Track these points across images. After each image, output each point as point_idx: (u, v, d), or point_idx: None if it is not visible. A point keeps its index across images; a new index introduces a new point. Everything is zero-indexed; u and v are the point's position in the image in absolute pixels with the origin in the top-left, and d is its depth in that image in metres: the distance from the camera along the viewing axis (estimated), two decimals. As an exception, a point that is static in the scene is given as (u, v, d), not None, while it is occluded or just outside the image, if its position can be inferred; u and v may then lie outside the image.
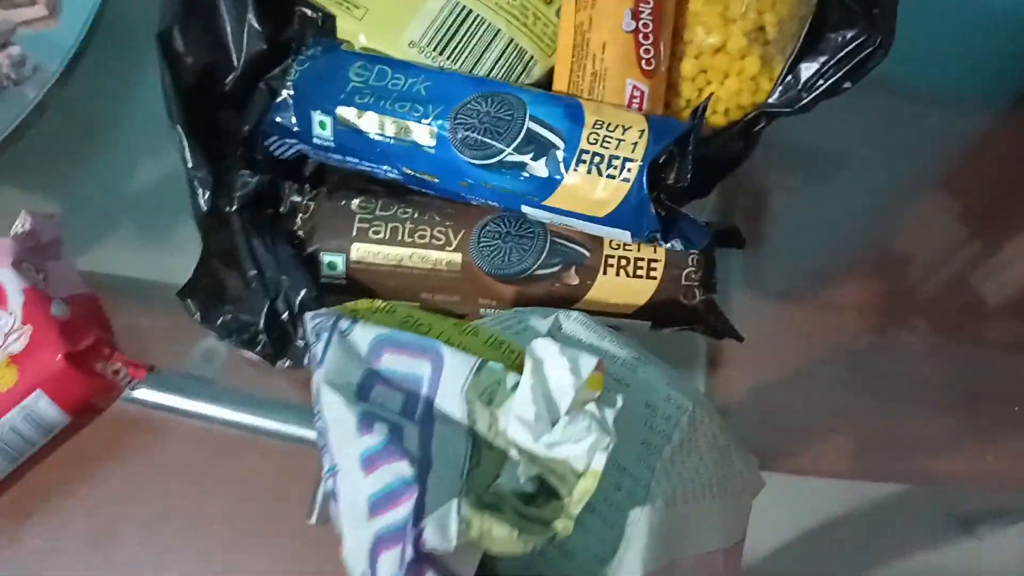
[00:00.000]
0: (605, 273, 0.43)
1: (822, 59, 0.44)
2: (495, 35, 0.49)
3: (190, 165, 0.45)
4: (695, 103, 0.49)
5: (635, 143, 0.39)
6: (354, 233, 0.45)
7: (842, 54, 0.43)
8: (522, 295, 0.44)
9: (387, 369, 0.33)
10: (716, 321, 0.44)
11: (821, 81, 0.44)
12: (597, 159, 0.40)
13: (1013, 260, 0.58)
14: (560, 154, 0.40)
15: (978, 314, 0.56)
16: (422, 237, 0.44)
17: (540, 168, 0.40)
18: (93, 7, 0.55)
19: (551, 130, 0.40)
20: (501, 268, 0.44)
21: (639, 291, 0.43)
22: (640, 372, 0.35)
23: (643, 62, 0.46)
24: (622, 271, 0.43)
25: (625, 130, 0.40)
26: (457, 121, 0.42)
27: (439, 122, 0.42)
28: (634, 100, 0.46)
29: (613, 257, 0.43)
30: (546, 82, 0.50)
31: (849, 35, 0.42)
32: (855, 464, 0.51)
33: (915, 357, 0.54)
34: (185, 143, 0.45)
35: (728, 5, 0.47)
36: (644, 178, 0.39)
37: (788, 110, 0.44)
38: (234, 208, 0.45)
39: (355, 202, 0.46)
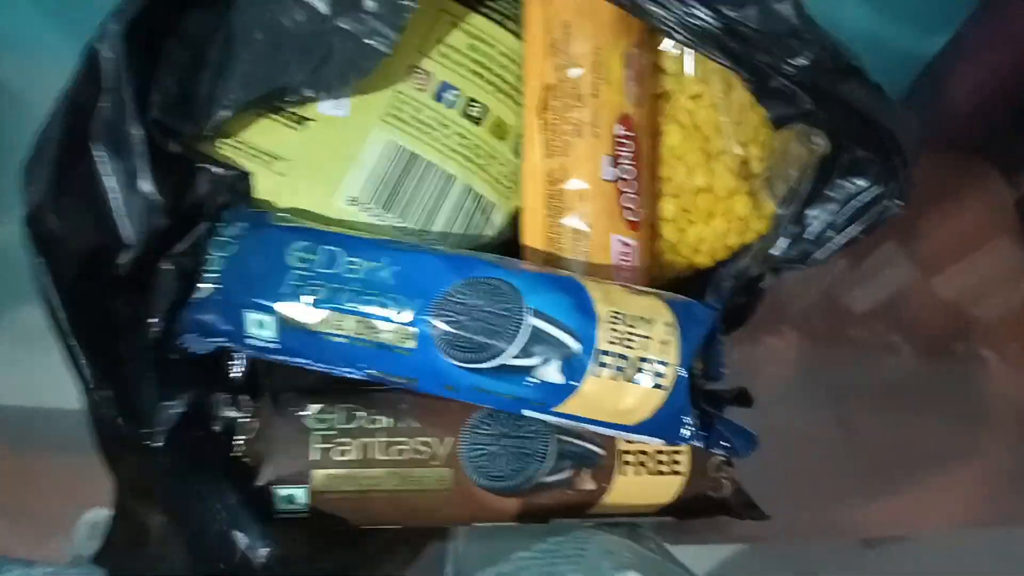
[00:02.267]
0: (624, 473, 0.37)
1: (831, 208, 0.39)
2: (447, 182, 0.42)
3: (91, 386, 0.35)
4: (678, 245, 0.44)
5: (665, 342, 0.33)
6: (314, 456, 0.36)
7: (856, 204, 0.38)
8: (527, 508, 0.37)
9: None
10: (746, 508, 0.39)
11: (832, 233, 0.39)
12: (621, 362, 0.33)
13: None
14: (575, 357, 0.33)
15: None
16: (400, 452, 0.36)
17: (551, 373, 0.34)
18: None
19: (559, 327, 0.34)
20: (500, 479, 0.36)
21: (663, 489, 0.37)
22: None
23: (627, 213, 0.40)
24: (642, 469, 0.37)
25: (649, 324, 0.34)
26: (441, 318, 0.34)
27: (417, 319, 0.35)
28: (624, 258, 0.40)
29: (630, 453, 0.37)
30: (510, 231, 0.44)
31: (863, 184, 0.38)
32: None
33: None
34: (82, 361, 0.35)
35: (708, 138, 0.43)
36: (684, 386, 0.33)
37: (800, 265, 0.39)
38: (159, 444, 0.35)
39: (310, 413, 0.37)
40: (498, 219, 0.43)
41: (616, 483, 0.37)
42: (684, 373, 0.33)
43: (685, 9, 0.36)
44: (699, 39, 0.36)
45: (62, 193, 0.36)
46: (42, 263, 0.36)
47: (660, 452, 0.37)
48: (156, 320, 0.38)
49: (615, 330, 0.33)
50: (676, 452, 0.37)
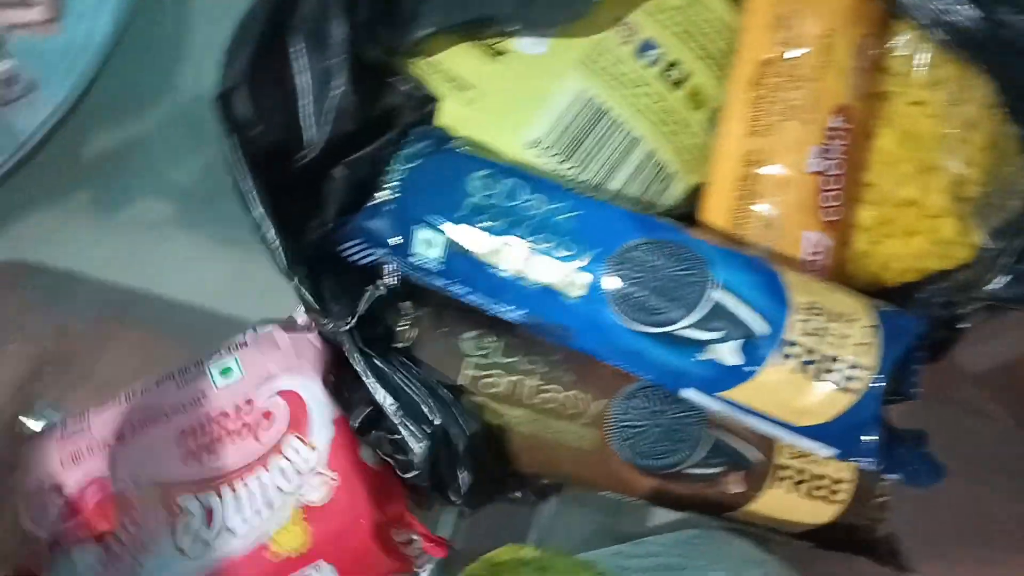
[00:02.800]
0: (775, 487, 0.34)
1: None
2: (633, 143, 0.39)
3: (284, 262, 0.34)
4: (867, 258, 0.40)
5: (865, 344, 0.30)
6: (462, 381, 0.34)
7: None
8: (663, 493, 0.34)
9: None
10: (891, 555, 0.35)
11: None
12: (811, 356, 0.30)
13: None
14: (760, 340, 0.31)
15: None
16: (548, 400, 0.34)
17: (728, 353, 0.31)
18: (114, 10, 0.43)
19: (748, 306, 0.31)
20: (645, 457, 0.34)
21: (813, 514, 0.34)
22: None
23: (824, 211, 0.37)
24: (797, 488, 0.34)
25: (849, 322, 0.31)
26: (619, 271, 0.32)
27: (592, 267, 0.32)
28: (814, 256, 0.37)
29: (788, 468, 0.34)
30: (686, 205, 0.41)
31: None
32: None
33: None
34: (270, 232, 0.34)
35: (927, 149, 0.39)
36: (878, 395, 0.30)
37: (1017, 306, 0.35)
38: (350, 325, 0.34)
39: (467, 338, 0.35)
40: (676, 190, 0.41)
41: (765, 495, 0.34)
42: (881, 381, 0.30)
43: (946, 5, 0.33)
44: (957, 39, 0.33)
45: (255, 82, 0.36)
46: (234, 140, 0.35)
47: (822, 476, 0.34)
48: (323, 222, 0.37)
49: (808, 321, 0.30)
50: (839, 481, 0.34)
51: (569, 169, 0.39)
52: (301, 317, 0.38)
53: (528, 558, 0.26)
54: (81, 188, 0.51)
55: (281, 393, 0.34)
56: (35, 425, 0.37)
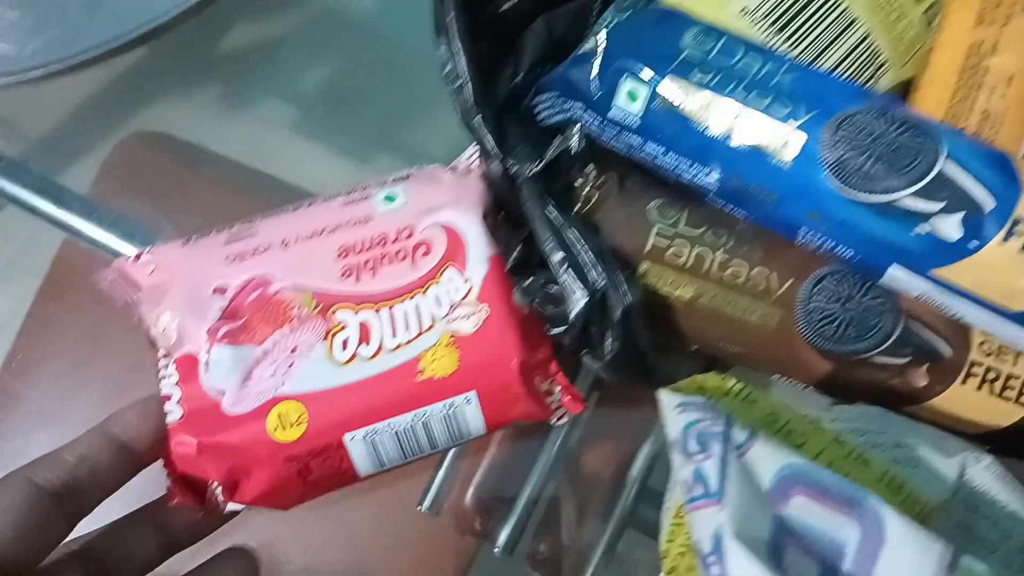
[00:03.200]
0: (965, 383, 0.32)
1: None
2: (849, 24, 0.38)
3: (471, 102, 0.34)
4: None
5: (1099, 227, 0.29)
6: (647, 248, 0.34)
7: None
8: (842, 379, 0.33)
9: (799, 521, 0.22)
10: None
11: None
12: (1041, 235, 0.29)
13: None
14: (986, 215, 0.29)
15: None
16: (735, 275, 0.33)
17: (950, 227, 0.30)
18: None
19: (976, 179, 0.29)
20: (830, 341, 0.33)
21: (999, 415, 0.32)
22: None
23: (1051, 113, 0.35)
24: (987, 385, 0.32)
25: (1082, 206, 0.29)
26: (839, 134, 0.31)
27: (811, 128, 0.31)
28: (1028, 157, 0.35)
29: (980, 365, 0.32)
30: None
31: None
32: None
33: None
34: (466, 74, 0.34)
35: None
36: (1110, 278, 0.28)
37: None
38: (535, 169, 0.34)
39: (653, 205, 0.35)
40: (886, 81, 0.39)
41: (953, 390, 0.33)
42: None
43: None
44: None
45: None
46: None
47: (1013, 377, 0.32)
48: (517, 71, 0.37)
49: (1042, 200, 0.29)
50: (1032, 383, 0.32)
51: (779, 43, 0.37)
52: (464, 163, 0.38)
53: (735, 388, 0.26)
54: (212, 82, 0.52)
55: (442, 225, 0.34)
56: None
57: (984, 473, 0.26)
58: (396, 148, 0.51)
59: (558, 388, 0.34)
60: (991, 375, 0.32)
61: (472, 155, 0.37)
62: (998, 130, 0.35)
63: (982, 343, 0.33)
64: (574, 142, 0.36)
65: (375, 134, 0.51)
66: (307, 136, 0.50)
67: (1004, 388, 0.32)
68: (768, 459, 0.23)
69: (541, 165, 0.34)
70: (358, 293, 0.33)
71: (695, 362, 0.37)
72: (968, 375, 0.32)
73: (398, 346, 0.32)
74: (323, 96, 0.51)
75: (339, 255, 0.34)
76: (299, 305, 0.33)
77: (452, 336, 0.32)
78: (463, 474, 0.47)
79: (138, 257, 0.35)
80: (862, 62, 0.38)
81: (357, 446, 0.32)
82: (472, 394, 0.32)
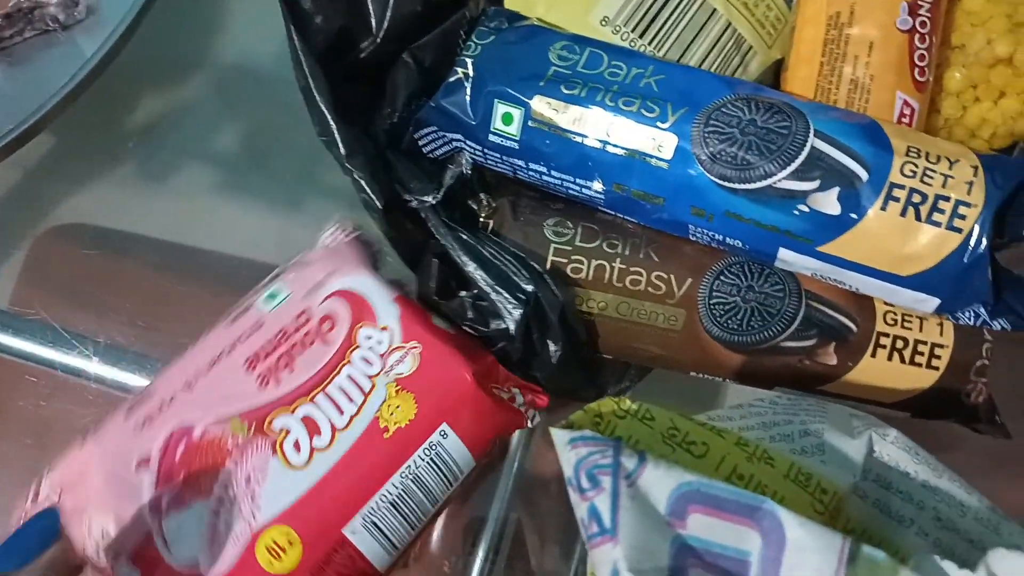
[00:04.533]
0: (874, 355, 0.32)
1: None
2: (709, 16, 0.38)
3: (344, 153, 0.34)
4: (955, 124, 0.39)
5: (969, 182, 0.29)
6: (547, 268, 0.34)
7: None
8: (754, 368, 0.33)
9: (700, 539, 0.22)
10: (990, 423, 0.34)
11: None
12: (916, 198, 0.29)
13: None
14: (862, 186, 0.29)
15: None
16: (635, 283, 0.33)
17: (828, 202, 0.30)
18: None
19: (847, 152, 0.30)
20: (736, 334, 0.33)
21: (912, 381, 0.33)
22: (1005, 533, 0.25)
23: (917, 71, 0.36)
24: (896, 355, 0.32)
25: (952, 163, 0.29)
26: (709, 129, 0.31)
27: (681, 127, 0.31)
28: (903, 119, 0.36)
29: (887, 336, 0.32)
30: (766, 81, 0.40)
31: None
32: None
33: None
34: (330, 123, 0.33)
35: (1017, 4, 0.37)
36: (986, 231, 0.28)
37: None
38: (437, 198, 0.34)
39: (548, 225, 0.35)
40: (755, 66, 0.39)
41: (863, 365, 0.33)
42: (989, 217, 0.28)
43: None
44: None
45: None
46: (294, 32, 0.35)
47: (921, 343, 0.33)
48: (392, 111, 0.36)
49: (913, 164, 0.29)
50: (938, 346, 0.33)
51: (645, 46, 0.37)
52: (328, 238, 0.37)
53: (632, 409, 0.25)
54: (124, 159, 0.51)
55: (334, 295, 0.33)
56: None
57: (891, 448, 0.26)
58: (324, 191, 0.50)
59: (517, 390, 0.33)
60: (899, 344, 0.33)
61: (333, 230, 0.36)
62: (868, 98, 0.36)
63: (886, 313, 0.33)
64: (464, 170, 0.35)
65: (301, 180, 0.50)
66: (232, 197, 0.49)
67: (914, 354, 0.33)
68: (661, 482, 0.22)
69: (442, 194, 0.34)
70: (285, 394, 0.31)
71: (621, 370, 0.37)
72: (877, 347, 0.33)
73: (350, 420, 0.31)
74: (242, 152, 0.50)
75: (248, 368, 0.32)
76: (231, 435, 0.31)
77: (397, 383, 0.31)
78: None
79: (36, 495, 0.31)
80: (728, 51, 0.39)
81: (360, 536, 0.30)
82: (444, 426, 0.31)
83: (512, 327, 0.32)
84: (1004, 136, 0.39)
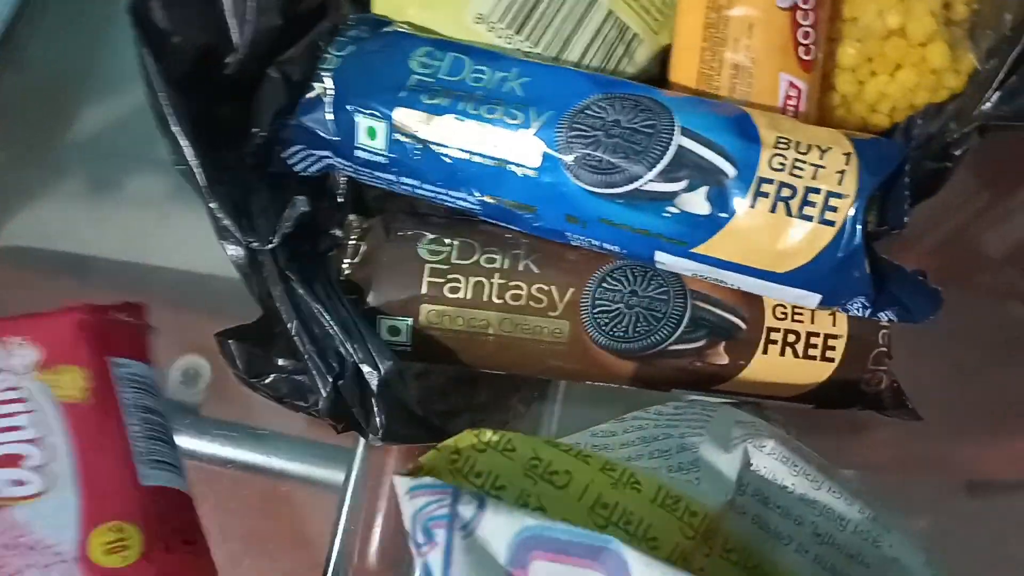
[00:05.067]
0: (766, 352, 0.31)
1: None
2: (589, 5, 0.37)
3: (206, 189, 0.32)
4: (853, 100, 0.37)
5: (841, 172, 0.28)
6: (423, 290, 0.32)
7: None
8: (647, 374, 0.32)
9: None
10: (897, 407, 0.33)
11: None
12: (786, 192, 0.28)
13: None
14: (729, 183, 0.28)
15: None
16: (516, 298, 0.32)
17: (697, 202, 0.28)
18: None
19: (713, 148, 0.28)
20: (623, 341, 0.31)
21: (808, 375, 0.32)
22: (885, 545, 0.24)
23: (801, 49, 0.34)
24: (789, 349, 0.31)
25: (823, 152, 0.28)
26: (573, 132, 0.29)
27: (545, 133, 0.30)
28: (790, 101, 0.34)
29: (778, 331, 0.31)
30: (654, 70, 0.38)
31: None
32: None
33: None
34: (188, 153, 0.32)
35: (907, -26, 0.36)
36: (859, 223, 0.27)
37: (1017, 123, 0.32)
38: (272, 244, 0.32)
39: (422, 244, 0.33)
40: (641, 55, 0.38)
41: (756, 362, 0.32)
42: (861, 208, 0.27)
43: None
44: None
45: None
46: (147, 54, 0.33)
47: (813, 335, 0.32)
48: (259, 130, 0.35)
49: (782, 156, 0.28)
50: (831, 337, 0.32)
51: (521, 43, 0.36)
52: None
53: (492, 440, 0.24)
54: (76, 172, 0.50)
55: None
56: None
57: (768, 459, 0.25)
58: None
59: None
60: (791, 338, 0.31)
61: None
62: (751, 82, 0.34)
63: (776, 307, 0.32)
64: (305, 208, 0.33)
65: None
66: (186, 207, 0.48)
67: (807, 347, 0.31)
68: (500, 530, 0.21)
69: (277, 240, 0.32)
70: None
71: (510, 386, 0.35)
72: (768, 343, 0.31)
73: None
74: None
75: None
76: None
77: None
78: (360, 534, 0.46)
79: None
80: (611, 41, 0.37)
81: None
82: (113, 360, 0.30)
83: (320, 408, 0.30)
84: (904, 109, 0.37)
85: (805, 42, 0.34)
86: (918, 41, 0.36)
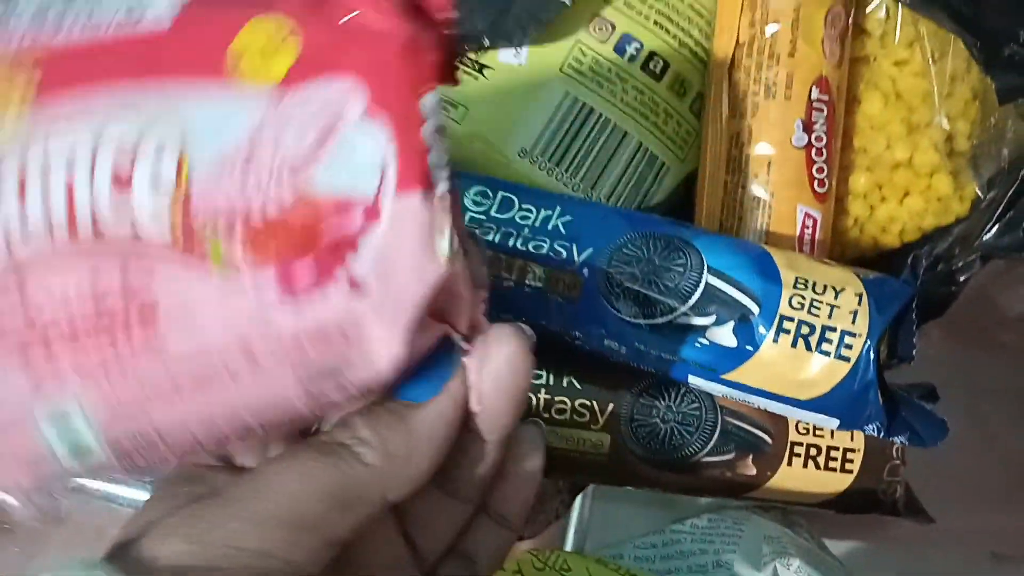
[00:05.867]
0: (790, 464, 0.34)
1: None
2: (622, 138, 0.40)
3: None
4: (865, 222, 0.41)
5: (854, 311, 0.31)
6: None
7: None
8: (681, 482, 0.35)
9: None
10: (911, 510, 0.35)
11: (1054, 219, 0.35)
12: (805, 330, 0.31)
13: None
14: (754, 320, 0.31)
15: None
16: (560, 412, 0.35)
17: (725, 335, 0.32)
18: None
19: (739, 288, 0.32)
20: (659, 453, 0.34)
21: (828, 484, 0.34)
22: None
23: (816, 183, 0.38)
24: (811, 462, 0.34)
25: (837, 293, 0.31)
26: (612, 268, 0.33)
27: (586, 269, 0.33)
28: (806, 230, 0.38)
29: (801, 445, 0.34)
30: (681, 193, 0.42)
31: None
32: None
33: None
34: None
35: (913, 108, 0.39)
36: (871, 359, 0.30)
37: (1016, 254, 0.35)
38: None
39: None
40: (669, 180, 0.41)
41: (781, 473, 0.34)
42: (873, 346, 0.30)
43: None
44: (922, 1, 0.34)
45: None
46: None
47: (833, 449, 0.35)
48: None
49: (800, 296, 0.31)
50: (850, 451, 0.34)
51: (561, 174, 0.40)
52: None
53: (551, 560, 0.27)
54: None
55: None
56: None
57: (794, 576, 0.28)
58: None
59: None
60: (813, 451, 0.34)
61: None
62: (771, 213, 0.38)
63: (798, 423, 0.35)
64: None
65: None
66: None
67: (828, 460, 0.34)
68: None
69: None
70: None
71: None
72: (792, 456, 0.34)
73: None
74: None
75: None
76: None
77: None
78: None
79: None
80: (642, 170, 0.41)
81: None
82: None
83: None
84: (913, 231, 0.41)
85: (819, 176, 0.38)
86: (924, 172, 0.39)
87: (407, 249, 0.19)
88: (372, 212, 0.19)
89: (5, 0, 0.19)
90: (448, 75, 0.20)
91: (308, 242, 0.19)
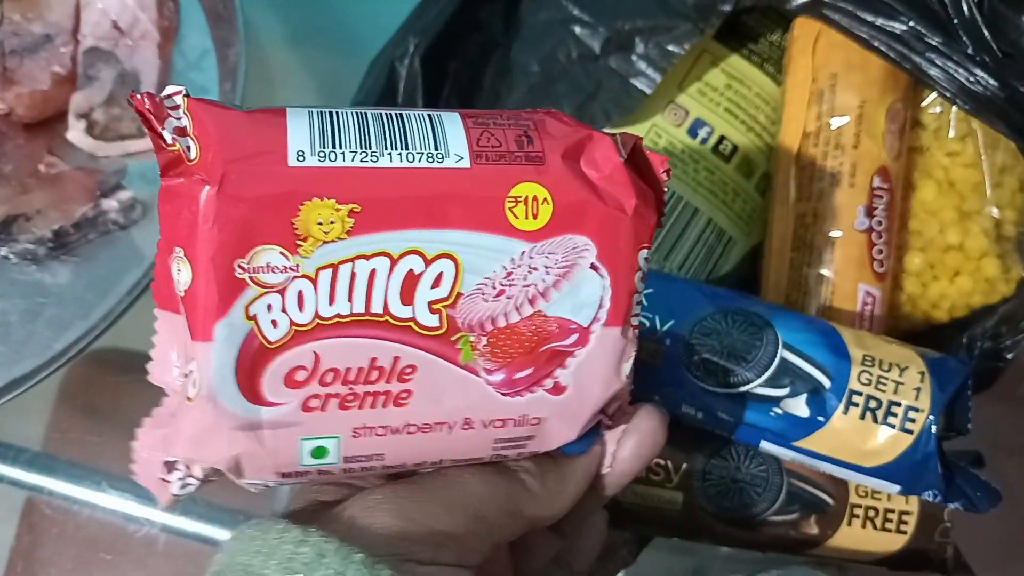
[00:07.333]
0: (850, 524, 0.37)
1: (1096, 277, 0.38)
2: (693, 214, 0.44)
3: None
4: (918, 299, 0.44)
5: (917, 388, 0.34)
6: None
7: None
8: (747, 538, 0.38)
9: None
10: (960, 570, 0.38)
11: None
12: (873, 403, 0.34)
13: None
14: (826, 393, 0.34)
15: None
16: (637, 469, 0.38)
17: (798, 406, 0.35)
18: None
19: (811, 363, 0.35)
20: (728, 511, 0.37)
21: (884, 544, 0.37)
22: None
23: (875, 263, 0.41)
24: (869, 523, 0.37)
25: (902, 371, 0.34)
26: (694, 339, 0.36)
27: (670, 337, 0.36)
28: (866, 307, 0.41)
29: (860, 507, 0.37)
30: (746, 266, 0.45)
31: None
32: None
33: None
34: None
35: (964, 196, 0.42)
36: (932, 432, 0.33)
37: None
38: None
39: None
40: (736, 253, 0.45)
41: (841, 532, 0.37)
42: (935, 420, 0.33)
43: (969, 77, 0.37)
44: (980, 106, 0.37)
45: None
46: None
47: (890, 511, 0.37)
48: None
49: (868, 372, 0.34)
50: (905, 513, 0.37)
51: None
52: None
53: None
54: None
55: None
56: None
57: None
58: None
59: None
60: (871, 513, 0.37)
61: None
62: (834, 290, 0.41)
63: (858, 487, 0.38)
64: None
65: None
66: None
67: (884, 521, 0.37)
68: None
69: None
70: None
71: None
72: (852, 516, 0.37)
73: None
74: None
75: None
76: None
77: None
78: None
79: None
80: (711, 243, 0.44)
81: None
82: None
83: None
84: (962, 308, 0.44)
85: (879, 257, 0.41)
86: (974, 255, 0.42)
87: (601, 367, 0.26)
88: (584, 336, 0.26)
89: None
90: (659, 224, 0.27)
91: (534, 347, 0.25)
